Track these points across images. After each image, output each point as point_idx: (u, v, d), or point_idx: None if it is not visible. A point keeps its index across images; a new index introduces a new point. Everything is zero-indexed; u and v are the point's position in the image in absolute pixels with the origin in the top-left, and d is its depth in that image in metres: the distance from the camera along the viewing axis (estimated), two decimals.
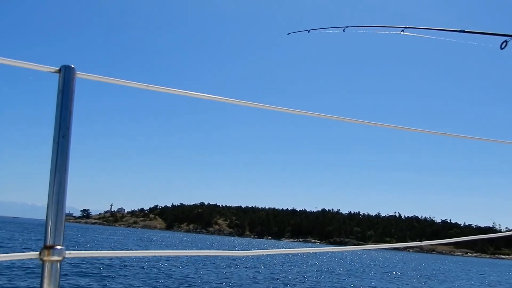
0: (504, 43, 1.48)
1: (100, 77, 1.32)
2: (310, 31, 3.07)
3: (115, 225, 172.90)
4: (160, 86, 1.40)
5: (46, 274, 1.12)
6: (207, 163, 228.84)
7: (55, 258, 1.12)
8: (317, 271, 28.30)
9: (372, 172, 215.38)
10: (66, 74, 1.22)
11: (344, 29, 2.60)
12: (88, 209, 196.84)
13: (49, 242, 1.13)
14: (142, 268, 21.31)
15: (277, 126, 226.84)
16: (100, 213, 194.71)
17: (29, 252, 1.14)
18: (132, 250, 1.30)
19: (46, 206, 1.16)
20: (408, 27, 2.29)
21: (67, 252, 1.15)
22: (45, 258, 1.12)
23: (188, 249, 1.20)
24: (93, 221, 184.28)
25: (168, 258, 26.21)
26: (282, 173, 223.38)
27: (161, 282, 16.88)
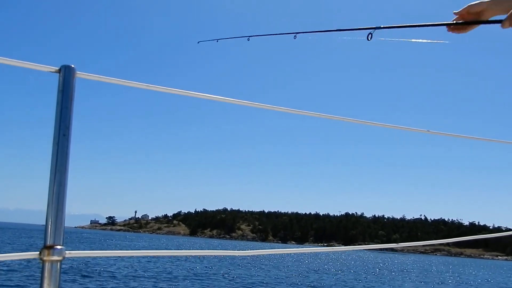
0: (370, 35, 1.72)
1: (100, 77, 1.31)
2: (219, 40, 3.14)
3: (140, 232, 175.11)
4: (161, 86, 1.39)
5: (46, 274, 1.11)
6: (229, 168, 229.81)
7: (55, 258, 1.12)
8: (339, 274, 27.96)
9: (396, 174, 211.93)
10: (66, 74, 1.22)
11: (248, 39, 2.82)
12: (114, 216, 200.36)
13: (49, 242, 1.13)
14: (143, 268, 21.42)
15: (298, 129, 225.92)
16: (125, 220, 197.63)
17: (29, 252, 1.14)
18: (132, 250, 1.28)
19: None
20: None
21: (67, 252, 1.14)
22: (45, 258, 1.11)
23: (188, 249, 1.20)
24: (118, 228, 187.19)
25: (170, 258, 26.17)
26: (304, 177, 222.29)
27: (161, 282, 16.91)
